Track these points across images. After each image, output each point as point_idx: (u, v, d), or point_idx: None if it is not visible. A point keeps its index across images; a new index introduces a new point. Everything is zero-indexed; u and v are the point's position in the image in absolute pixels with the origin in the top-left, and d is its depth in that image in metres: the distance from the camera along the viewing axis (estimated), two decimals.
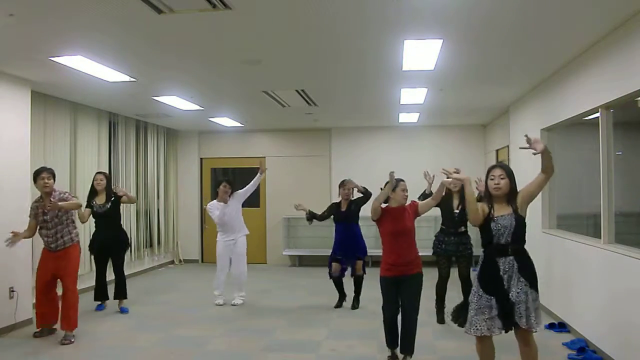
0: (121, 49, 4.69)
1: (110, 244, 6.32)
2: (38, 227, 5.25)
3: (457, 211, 5.58)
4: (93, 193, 6.35)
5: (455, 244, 5.61)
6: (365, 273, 6.44)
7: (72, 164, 7.22)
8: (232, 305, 6.67)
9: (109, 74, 5.47)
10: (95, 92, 6.46)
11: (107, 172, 7.98)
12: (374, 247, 9.43)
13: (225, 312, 6.42)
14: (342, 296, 6.57)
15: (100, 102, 7.45)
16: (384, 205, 4.40)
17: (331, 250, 6.48)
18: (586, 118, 5.12)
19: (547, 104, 6.06)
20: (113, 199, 6.28)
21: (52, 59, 4.87)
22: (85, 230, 7.24)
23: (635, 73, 3.90)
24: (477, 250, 5.80)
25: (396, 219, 4.32)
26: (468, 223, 5.59)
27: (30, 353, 4.81)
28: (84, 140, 7.48)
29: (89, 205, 6.32)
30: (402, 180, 4.44)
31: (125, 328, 5.69)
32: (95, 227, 6.52)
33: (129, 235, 8.38)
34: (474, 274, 3.77)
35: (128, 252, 8.34)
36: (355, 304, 6.47)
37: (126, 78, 5.66)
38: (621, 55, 4.16)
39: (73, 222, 5.35)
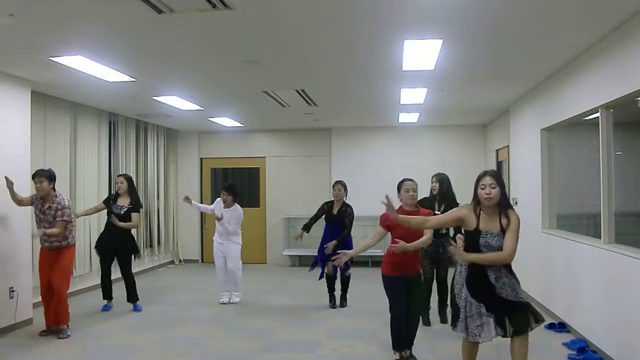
0: (121, 49, 4.70)
1: (117, 247, 6.34)
2: (35, 221, 5.33)
3: (439, 213, 5.55)
4: (116, 195, 6.43)
5: (437, 245, 5.54)
6: (349, 268, 6.39)
7: (72, 164, 7.22)
8: (230, 302, 6.67)
9: (109, 74, 5.47)
10: (95, 92, 6.46)
11: (108, 172, 8.02)
12: (373, 247, 9.45)
13: (225, 312, 6.42)
14: (334, 295, 6.57)
15: (100, 102, 7.44)
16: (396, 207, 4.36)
17: (317, 251, 6.46)
18: (586, 118, 5.12)
19: (547, 104, 6.06)
20: (130, 206, 6.32)
21: (52, 59, 4.87)
22: (91, 230, 7.26)
23: (635, 73, 3.90)
24: None
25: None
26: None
27: (31, 353, 4.81)
28: (84, 140, 7.47)
29: (107, 204, 6.43)
30: (410, 180, 4.33)
31: (126, 328, 5.69)
32: (105, 227, 6.53)
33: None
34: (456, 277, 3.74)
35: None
36: (344, 302, 6.48)
37: (126, 78, 5.66)
38: (621, 55, 4.16)
39: (71, 222, 5.36)
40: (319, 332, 5.50)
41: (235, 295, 6.78)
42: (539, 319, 3.48)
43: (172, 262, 10.41)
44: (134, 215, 6.34)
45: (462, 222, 3.57)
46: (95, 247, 6.59)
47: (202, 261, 10.64)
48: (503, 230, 3.43)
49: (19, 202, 5.32)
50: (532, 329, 3.46)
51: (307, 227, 6.53)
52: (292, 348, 4.99)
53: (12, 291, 5.46)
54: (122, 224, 6.24)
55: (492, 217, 3.46)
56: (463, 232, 3.65)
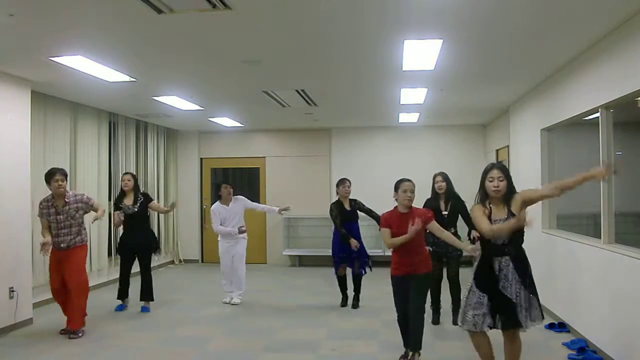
0: (121, 49, 4.70)
1: (140, 245, 6.39)
2: (52, 228, 5.25)
3: (446, 212, 5.53)
4: (121, 194, 6.43)
5: (445, 245, 5.47)
6: (371, 270, 6.42)
7: (72, 164, 7.22)
8: (231, 304, 6.70)
9: (109, 74, 5.47)
10: (95, 92, 6.46)
11: (108, 172, 8.03)
12: (373, 247, 9.45)
13: (225, 312, 6.42)
14: (346, 295, 6.57)
15: (100, 102, 7.45)
16: (390, 209, 4.35)
17: (332, 251, 6.46)
18: (586, 118, 5.12)
19: (547, 104, 6.06)
20: (141, 200, 6.35)
21: (52, 59, 4.87)
22: (90, 229, 7.26)
23: (635, 73, 3.90)
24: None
25: (402, 225, 4.23)
26: (457, 224, 5.61)
27: (31, 353, 4.81)
28: (84, 140, 7.48)
29: (117, 207, 6.41)
30: (408, 180, 4.31)
31: (126, 328, 5.69)
32: (124, 228, 6.54)
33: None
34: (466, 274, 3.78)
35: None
36: (356, 303, 6.48)
37: (126, 78, 5.66)
38: (621, 55, 4.16)
39: (83, 222, 5.36)
40: (319, 332, 5.50)
41: (237, 296, 6.78)
42: (535, 319, 3.53)
43: (172, 262, 10.41)
44: (153, 203, 6.51)
45: (484, 213, 3.57)
46: (118, 247, 6.61)
47: (202, 261, 10.64)
48: (512, 215, 3.49)
49: (48, 231, 5.24)
50: (521, 326, 3.50)
51: (345, 235, 6.21)
52: (292, 348, 4.99)
53: (12, 291, 5.45)
54: (166, 209, 6.95)
55: (499, 206, 3.56)
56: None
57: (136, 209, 6.32)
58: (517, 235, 3.54)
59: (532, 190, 3.72)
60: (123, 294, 6.47)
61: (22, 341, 5.14)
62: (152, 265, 9.33)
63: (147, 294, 6.42)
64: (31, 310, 5.76)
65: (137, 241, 6.36)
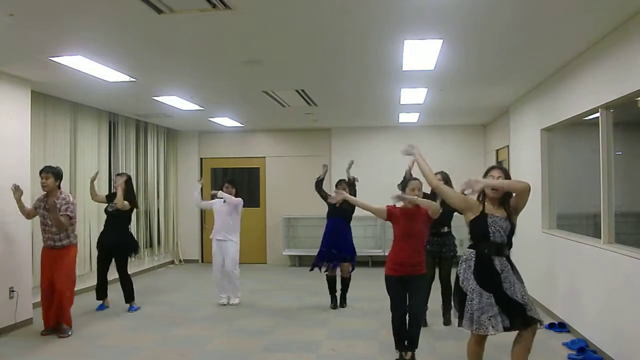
0: (121, 49, 4.70)
1: (117, 245, 6.37)
2: (40, 223, 5.30)
3: (440, 210, 5.53)
4: (113, 194, 6.44)
5: (439, 244, 5.54)
6: (353, 270, 6.45)
7: (72, 164, 7.22)
8: (230, 304, 6.70)
9: (109, 74, 5.47)
10: (95, 92, 6.47)
11: (108, 172, 8.03)
12: (373, 247, 9.47)
13: (225, 312, 6.42)
14: (335, 297, 6.56)
15: (100, 102, 7.45)
16: (399, 206, 4.34)
17: (319, 248, 6.45)
18: (586, 118, 5.12)
19: (547, 104, 6.06)
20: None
21: (52, 59, 4.87)
22: (91, 229, 7.27)
23: (635, 73, 3.90)
24: (461, 251, 5.80)
25: (409, 221, 4.23)
26: (452, 223, 5.60)
27: (31, 353, 4.81)
28: (84, 140, 7.47)
29: (108, 201, 6.48)
30: (415, 179, 4.33)
31: (125, 328, 5.69)
32: (105, 226, 6.55)
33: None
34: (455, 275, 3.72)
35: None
36: (343, 303, 6.49)
37: (126, 78, 5.67)
38: (621, 55, 4.16)
39: (73, 224, 5.35)
40: (319, 332, 5.50)
41: (234, 297, 6.77)
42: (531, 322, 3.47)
43: (172, 262, 10.41)
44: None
45: (467, 205, 3.59)
46: (97, 245, 6.58)
47: (202, 261, 10.64)
48: (509, 216, 3.51)
49: (27, 214, 5.35)
50: (537, 322, 3.43)
51: (320, 182, 6.53)
52: (292, 348, 4.99)
53: (12, 291, 5.45)
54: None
55: (496, 207, 3.55)
56: (467, 223, 3.64)
57: (112, 209, 6.33)
58: (511, 238, 3.53)
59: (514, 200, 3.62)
60: (100, 293, 6.46)
61: (22, 341, 5.14)
62: (152, 265, 9.50)
63: (129, 295, 6.43)
64: (31, 310, 5.76)
65: (112, 241, 6.35)
